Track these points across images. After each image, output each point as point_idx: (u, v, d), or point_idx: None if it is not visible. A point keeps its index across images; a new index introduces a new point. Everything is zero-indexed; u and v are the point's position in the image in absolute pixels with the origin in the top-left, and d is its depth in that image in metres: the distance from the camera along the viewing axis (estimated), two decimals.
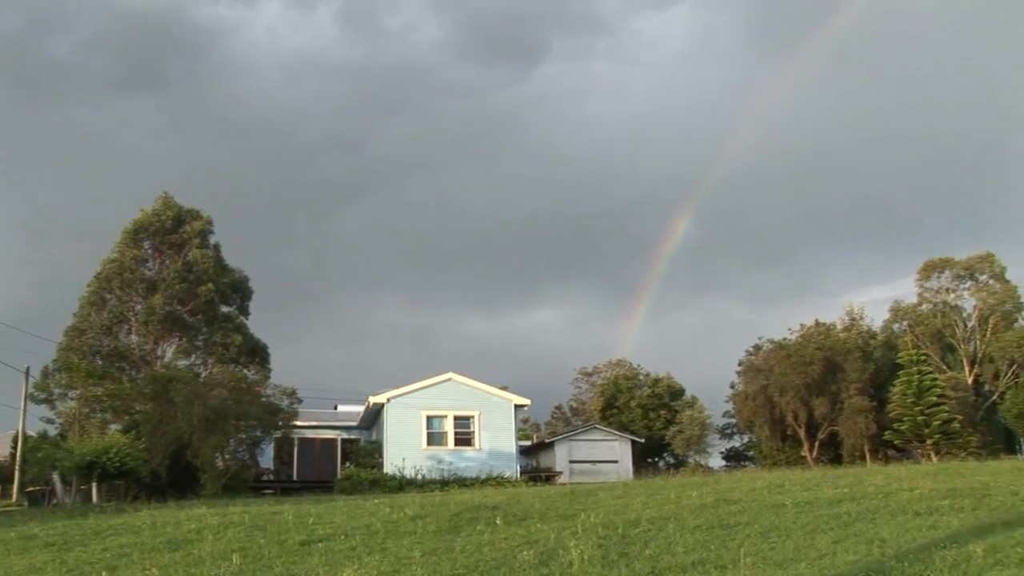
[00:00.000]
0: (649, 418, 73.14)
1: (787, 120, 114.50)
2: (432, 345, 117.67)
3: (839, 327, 68.82)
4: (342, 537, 17.14)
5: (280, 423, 44.68)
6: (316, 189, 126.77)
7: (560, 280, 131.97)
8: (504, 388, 48.56)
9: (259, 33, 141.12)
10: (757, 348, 68.00)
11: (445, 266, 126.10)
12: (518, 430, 49.76)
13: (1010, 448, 60.64)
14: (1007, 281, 66.37)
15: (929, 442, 53.05)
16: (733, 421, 73.66)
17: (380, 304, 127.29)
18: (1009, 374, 62.79)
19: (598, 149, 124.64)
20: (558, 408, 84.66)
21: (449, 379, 46.13)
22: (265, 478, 47.05)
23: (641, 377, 78.96)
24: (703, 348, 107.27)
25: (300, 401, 46.66)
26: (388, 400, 44.91)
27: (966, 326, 66.74)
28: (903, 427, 53.83)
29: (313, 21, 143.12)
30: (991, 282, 66.93)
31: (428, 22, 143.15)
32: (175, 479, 38.46)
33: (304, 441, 50.93)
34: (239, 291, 57.02)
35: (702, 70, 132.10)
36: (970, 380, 64.53)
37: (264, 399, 44.83)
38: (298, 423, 47.30)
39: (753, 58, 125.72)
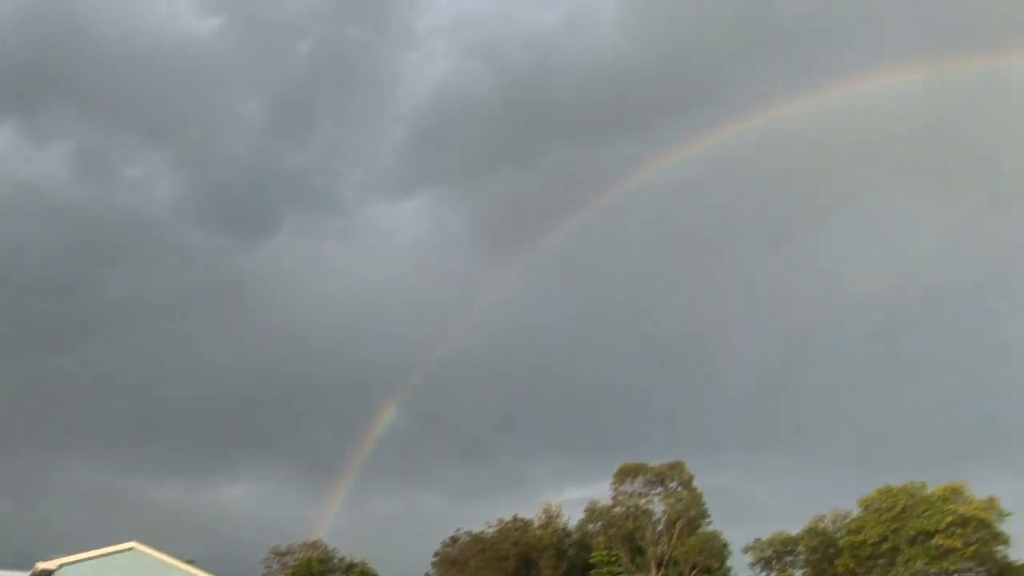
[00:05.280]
0: None
1: (503, 320, 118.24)
2: (121, 510, 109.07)
3: (536, 524, 70.06)
4: None
5: None
6: (12, 331, 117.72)
7: (262, 455, 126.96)
8: (190, 562, 45.58)
9: None
10: (454, 540, 67.97)
11: (143, 429, 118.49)
12: None
13: None
14: (694, 489, 70.04)
15: None
16: None
17: (66, 461, 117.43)
18: None
19: (317, 327, 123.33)
20: None
21: (132, 548, 42.78)
22: None
23: (336, 561, 76.50)
24: (402, 536, 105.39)
25: None
26: (59, 567, 40.94)
27: (655, 530, 69.51)
28: None
29: (46, 156, 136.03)
30: (680, 489, 70.40)
31: (165, 178, 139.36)
32: None
33: None
34: None
35: (429, 263, 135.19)
36: None
37: None
38: None
39: (478, 257, 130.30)
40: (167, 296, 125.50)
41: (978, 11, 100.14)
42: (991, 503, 59.67)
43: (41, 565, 41.40)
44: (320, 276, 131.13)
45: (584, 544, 68.32)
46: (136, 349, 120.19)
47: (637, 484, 71.47)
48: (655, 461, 71.81)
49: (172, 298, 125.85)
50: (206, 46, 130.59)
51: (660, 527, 69.62)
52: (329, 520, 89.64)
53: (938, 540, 57.98)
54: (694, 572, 65.67)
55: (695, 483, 70.37)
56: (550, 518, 72.03)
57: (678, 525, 68.32)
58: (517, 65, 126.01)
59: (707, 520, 69.54)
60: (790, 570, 64.36)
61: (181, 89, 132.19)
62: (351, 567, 75.09)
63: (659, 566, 67.96)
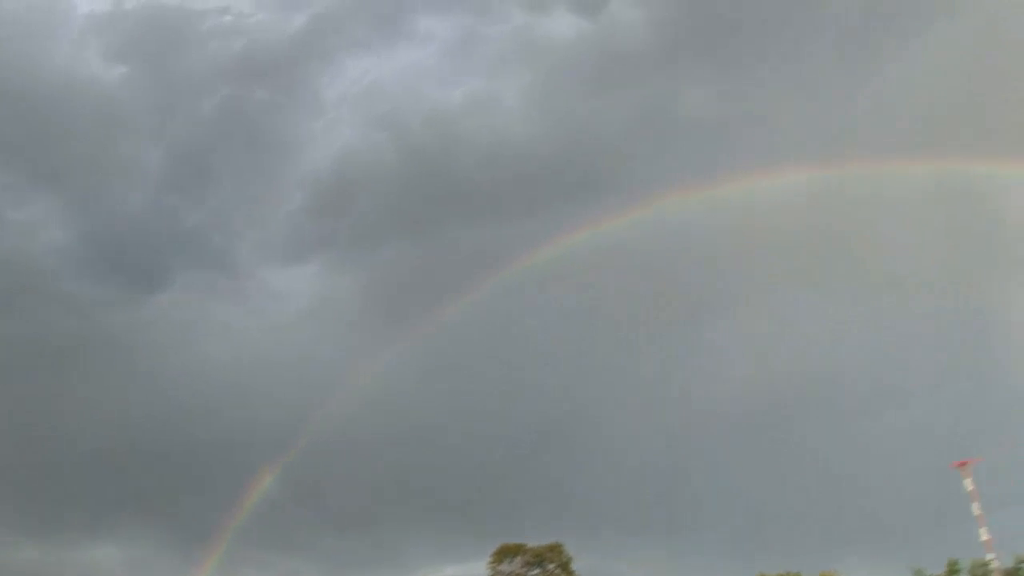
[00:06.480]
0: None
1: (387, 392, 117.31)
2: None
3: None
4: None
5: None
6: None
7: (130, 516, 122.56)
8: None
9: None
10: None
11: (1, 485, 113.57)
12: None
13: None
14: (572, 571, 70.11)
15: None
16: None
17: None
18: None
19: (199, 388, 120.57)
20: None
21: None
22: None
23: None
24: None
25: None
26: None
27: None
28: None
29: None
30: (558, 571, 70.29)
31: (53, 224, 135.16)
32: None
33: None
34: None
35: (317, 330, 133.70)
36: None
37: None
38: None
39: (367, 328, 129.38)
40: (43, 346, 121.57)
41: (860, 120, 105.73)
42: None
43: None
44: (206, 336, 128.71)
45: None
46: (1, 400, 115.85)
47: (515, 564, 71.18)
48: (534, 542, 71.85)
49: (49, 348, 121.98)
50: (110, 94, 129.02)
51: None
52: None
53: None
54: None
55: (573, 565, 70.50)
56: None
57: None
58: (420, 140, 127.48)
59: None
60: None
61: (80, 135, 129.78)
62: None
63: None
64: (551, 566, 70.64)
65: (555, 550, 70.82)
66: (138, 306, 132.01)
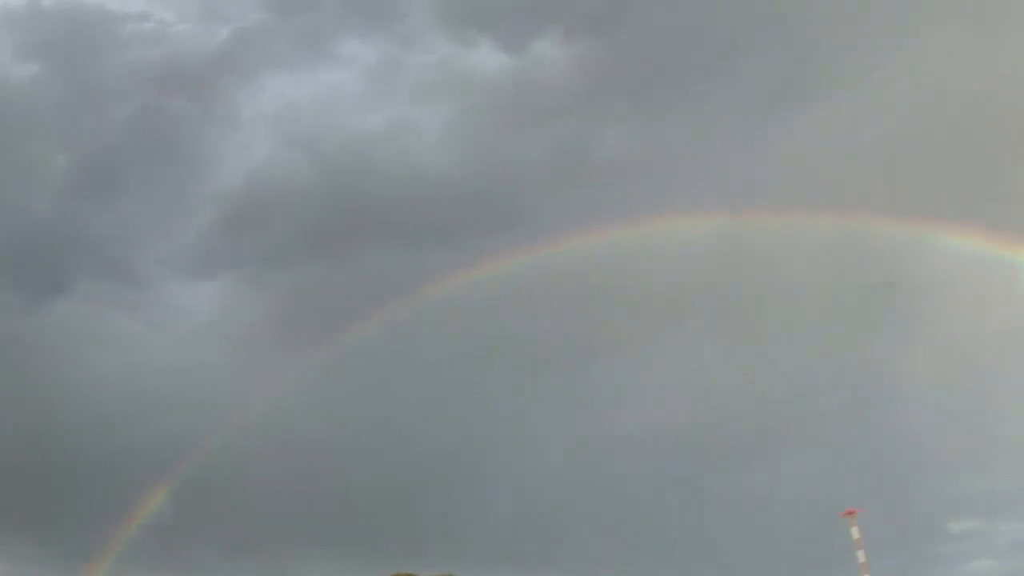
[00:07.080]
0: None
1: (284, 416, 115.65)
2: None
3: None
4: None
5: None
6: None
7: (6, 531, 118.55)
8: None
9: None
10: None
11: None
12: None
13: None
14: None
15: None
16: None
17: None
18: None
19: (91, 400, 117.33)
20: None
21: None
22: None
23: None
24: None
25: None
26: None
27: None
28: None
29: None
30: None
31: None
32: None
33: None
34: None
35: (218, 348, 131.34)
36: None
37: None
38: None
39: (269, 349, 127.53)
40: None
41: (773, 172, 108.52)
42: None
43: None
44: (103, 347, 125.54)
45: None
46: None
47: None
48: (427, 572, 71.41)
49: None
50: (20, 93, 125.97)
51: None
52: None
53: None
54: None
55: None
56: None
57: None
58: (336, 163, 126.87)
59: None
60: None
61: None
62: None
63: None
64: None
65: None
66: (34, 313, 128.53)
